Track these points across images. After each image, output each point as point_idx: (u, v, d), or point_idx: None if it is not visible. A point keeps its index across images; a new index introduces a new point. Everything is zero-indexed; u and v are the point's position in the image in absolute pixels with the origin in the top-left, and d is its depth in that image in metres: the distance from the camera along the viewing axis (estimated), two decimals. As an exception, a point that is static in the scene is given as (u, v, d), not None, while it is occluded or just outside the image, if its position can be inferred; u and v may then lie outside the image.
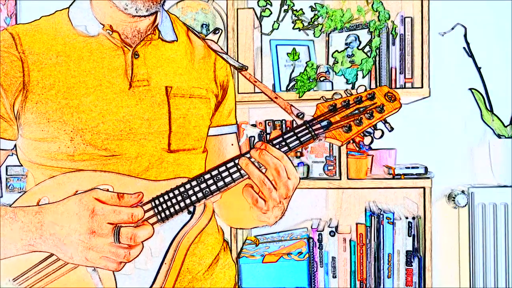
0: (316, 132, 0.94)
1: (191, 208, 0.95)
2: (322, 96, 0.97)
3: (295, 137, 0.94)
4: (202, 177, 0.94)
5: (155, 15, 1.05)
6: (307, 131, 0.94)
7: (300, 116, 0.96)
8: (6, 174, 2.10)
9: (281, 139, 0.94)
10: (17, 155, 1.03)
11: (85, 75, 0.98)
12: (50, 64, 0.97)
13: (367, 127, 0.94)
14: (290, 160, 0.93)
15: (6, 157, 1.01)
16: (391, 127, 0.95)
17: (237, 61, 1.11)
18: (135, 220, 0.89)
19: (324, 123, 0.94)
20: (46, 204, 0.92)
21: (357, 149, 0.88)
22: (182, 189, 0.94)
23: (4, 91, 0.95)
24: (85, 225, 0.87)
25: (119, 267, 0.90)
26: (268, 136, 2.00)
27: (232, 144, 1.20)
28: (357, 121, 0.93)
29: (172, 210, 0.94)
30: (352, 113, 0.94)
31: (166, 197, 0.94)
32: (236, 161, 0.94)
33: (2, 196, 2.10)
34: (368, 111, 0.94)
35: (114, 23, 1.01)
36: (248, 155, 0.93)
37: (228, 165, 0.94)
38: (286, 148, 0.93)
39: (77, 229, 0.87)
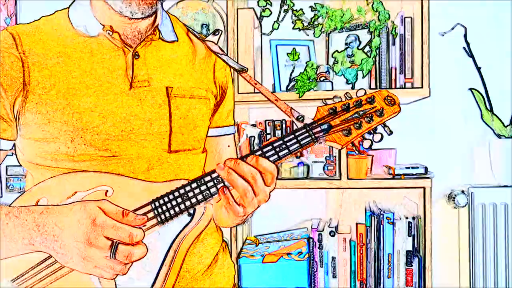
0: (316, 135, 0.94)
1: (191, 210, 0.95)
2: (323, 99, 0.97)
3: (295, 140, 0.94)
4: (202, 180, 0.94)
5: (154, 15, 1.05)
6: (307, 134, 0.94)
7: (300, 119, 0.96)
8: (6, 174, 2.10)
9: (281, 142, 0.94)
10: (16, 155, 1.03)
11: (85, 76, 0.98)
12: (51, 64, 0.97)
13: (366, 131, 0.94)
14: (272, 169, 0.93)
15: (4, 157, 1.01)
16: (390, 131, 0.95)
17: (237, 62, 1.11)
18: (132, 241, 0.87)
19: (324, 126, 0.94)
20: (52, 205, 0.92)
21: (357, 152, 0.88)
22: (182, 191, 0.94)
23: (4, 91, 0.95)
24: (83, 233, 0.87)
25: (112, 277, 0.89)
26: (268, 136, 2.00)
27: (229, 146, 1.20)
28: (357, 125, 0.94)
29: (172, 212, 0.94)
30: (352, 116, 0.94)
31: (166, 199, 0.94)
32: None
33: (2, 196, 2.10)
34: (367, 115, 0.94)
35: (113, 24, 1.01)
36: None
37: None
38: (286, 151, 0.94)
39: (75, 235, 0.87)
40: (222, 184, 0.94)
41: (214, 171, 0.94)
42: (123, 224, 0.88)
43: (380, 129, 0.95)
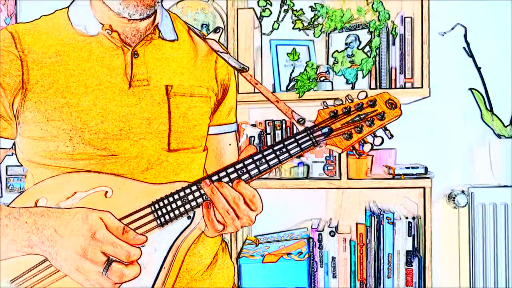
0: (317, 139, 0.94)
1: (191, 213, 0.94)
2: (323, 102, 0.96)
3: (296, 143, 0.94)
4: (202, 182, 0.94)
5: (154, 14, 1.05)
6: (308, 137, 0.94)
7: (301, 122, 0.96)
8: (6, 174, 2.10)
9: (282, 145, 0.93)
10: (16, 154, 1.03)
11: (84, 75, 0.98)
12: (50, 63, 0.97)
13: (367, 135, 0.94)
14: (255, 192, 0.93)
15: (4, 155, 1.01)
16: (391, 135, 0.95)
17: (238, 61, 1.11)
18: (129, 260, 0.87)
19: (325, 130, 0.94)
20: (54, 207, 0.92)
21: (357, 156, 0.87)
22: (182, 193, 0.94)
23: (3, 90, 0.95)
24: (81, 245, 0.87)
25: None
26: (268, 136, 2.00)
27: (230, 144, 1.19)
28: (358, 129, 0.93)
29: (172, 214, 0.94)
30: (353, 120, 0.94)
31: (166, 201, 0.94)
32: (237, 166, 0.94)
33: (2, 196, 2.10)
34: (369, 118, 0.94)
35: (113, 23, 1.01)
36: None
37: (229, 171, 0.94)
38: (286, 154, 0.93)
39: (72, 246, 0.87)
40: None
41: (214, 174, 0.94)
42: (123, 242, 0.87)
43: (380, 132, 0.95)
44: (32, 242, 0.89)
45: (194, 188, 0.94)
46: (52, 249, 0.88)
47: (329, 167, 1.95)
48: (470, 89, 2.01)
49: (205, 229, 0.96)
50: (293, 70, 1.98)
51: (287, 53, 1.99)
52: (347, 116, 0.94)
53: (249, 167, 0.94)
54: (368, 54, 1.89)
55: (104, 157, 0.97)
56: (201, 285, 1.07)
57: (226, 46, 1.94)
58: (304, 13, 1.98)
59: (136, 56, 1.01)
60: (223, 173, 0.93)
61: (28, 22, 1.01)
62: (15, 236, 0.90)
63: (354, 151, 0.96)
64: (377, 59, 1.92)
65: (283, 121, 2.00)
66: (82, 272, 0.87)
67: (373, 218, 1.90)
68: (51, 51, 0.98)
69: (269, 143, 1.99)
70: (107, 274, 0.86)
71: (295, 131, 0.96)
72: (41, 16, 1.03)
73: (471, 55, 1.99)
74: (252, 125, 2.03)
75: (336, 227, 1.96)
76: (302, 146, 0.94)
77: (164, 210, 0.94)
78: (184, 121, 1.03)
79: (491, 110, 1.98)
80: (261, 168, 0.94)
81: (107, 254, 0.87)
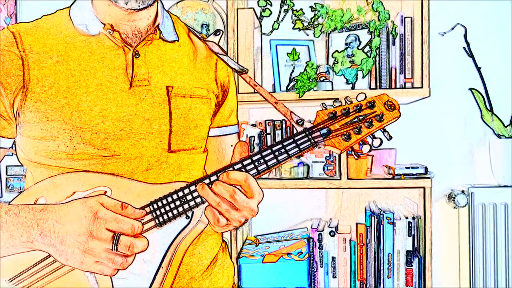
0: (315, 140, 0.94)
1: (189, 213, 0.95)
2: (322, 103, 0.97)
3: (294, 144, 0.94)
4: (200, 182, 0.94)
5: (155, 14, 1.05)
6: (306, 138, 0.94)
7: (300, 123, 0.96)
8: (6, 174, 2.10)
9: (280, 146, 0.94)
10: (16, 154, 1.03)
11: (85, 75, 0.98)
12: (51, 63, 0.97)
13: (366, 136, 0.94)
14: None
15: (4, 155, 1.01)
16: (390, 136, 0.95)
17: (238, 63, 1.11)
18: (134, 232, 0.89)
19: (324, 131, 0.94)
20: (52, 204, 0.92)
21: (355, 158, 0.88)
22: (180, 193, 0.94)
23: (4, 89, 0.95)
24: (85, 227, 0.88)
25: (113, 273, 0.90)
26: (268, 136, 2.00)
27: (232, 145, 1.20)
28: (357, 130, 0.94)
29: (170, 214, 0.94)
30: (351, 121, 0.94)
31: (164, 201, 0.94)
32: (235, 166, 0.94)
33: (2, 196, 2.10)
34: (367, 120, 0.94)
35: (114, 22, 1.01)
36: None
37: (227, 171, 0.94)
38: (285, 155, 0.94)
39: (77, 230, 0.88)
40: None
41: (213, 174, 0.94)
42: (125, 217, 0.89)
43: (379, 133, 0.96)
44: (32, 237, 0.90)
45: (192, 188, 0.94)
46: (55, 240, 0.89)
47: (329, 167, 1.95)
48: (470, 89, 2.01)
49: (213, 226, 0.96)
50: (293, 70, 1.98)
51: (287, 53, 1.99)
52: (346, 117, 0.95)
53: (248, 168, 0.94)
54: (368, 54, 1.89)
55: (105, 157, 0.97)
56: (201, 285, 1.07)
57: (226, 46, 1.94)
58: (304, 13, 1.98)
59: (137, 56, 1.01)
60: (222, 173, 0.94)
61: (29, 22, 1.02)
62: (14, 232, 0.90)
63: (353, 152, 0.96)
64: (377, 59, 1.92)
65: (283, 121, 2.00)
66: (91, 253, 0.88)
67: (373, 218, 1.90)
68: (52, 51, 0.98)
69: (269, 143, 1.99)
70: (117, 248, 0.88)
71: (294, 131, 0.96)
72: (42, 16, 1.03)
73: (471, 55, 2.00)
74: (252, 125, 2.03)
75: (336, 227, 1.96)
76: (301, 147, 0.94)
77: (162, 210, 0.94)
78: (184, 122, 1.04)
79: (491, 110, 1.98)
80: (259, 168, 0.94)
81: (112, 230, 0.88)
